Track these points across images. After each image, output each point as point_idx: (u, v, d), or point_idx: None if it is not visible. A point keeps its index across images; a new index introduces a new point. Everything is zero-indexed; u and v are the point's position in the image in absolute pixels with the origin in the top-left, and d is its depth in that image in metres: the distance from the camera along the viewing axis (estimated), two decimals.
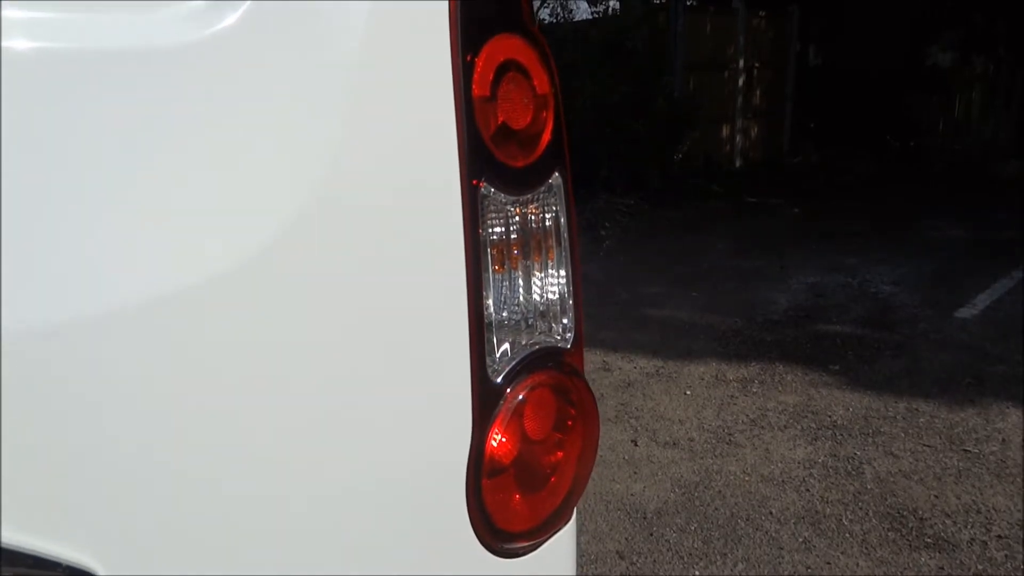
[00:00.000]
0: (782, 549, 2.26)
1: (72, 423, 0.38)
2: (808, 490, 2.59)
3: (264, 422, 0.46)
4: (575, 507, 0.72)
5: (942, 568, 2.16)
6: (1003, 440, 2.91)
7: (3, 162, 0.36)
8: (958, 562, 2.18)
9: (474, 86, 0.56)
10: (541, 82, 0.62)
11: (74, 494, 0.39)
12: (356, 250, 0.50)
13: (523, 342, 0.65)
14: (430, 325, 0.55)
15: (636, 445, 2.92)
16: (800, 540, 2.30)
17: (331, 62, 0.46)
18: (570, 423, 0.68)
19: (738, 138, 10.61)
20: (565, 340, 0.68)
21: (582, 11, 10.19)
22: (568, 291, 0.68)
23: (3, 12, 0.34)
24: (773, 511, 2.46)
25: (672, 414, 3.19)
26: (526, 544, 0.65)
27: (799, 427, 3.06)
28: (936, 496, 2.54)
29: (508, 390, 0.64)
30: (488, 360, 0.61)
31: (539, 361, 0.66)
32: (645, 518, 2.43)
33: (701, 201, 8.20)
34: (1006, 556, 2.21)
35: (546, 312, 0.67)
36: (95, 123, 0.38)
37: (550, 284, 0.67)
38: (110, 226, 0.38)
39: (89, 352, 0.37)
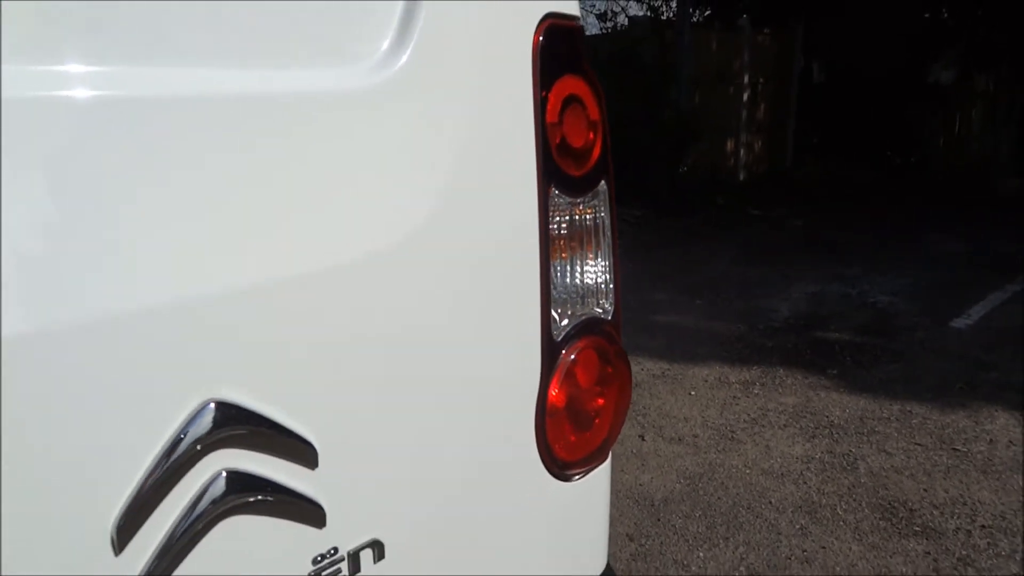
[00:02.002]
0: (780, 535, 2.43)
1: (287, 361, 0.55)
2: (805, 483, 2.75)
3: (405, 368, 0.63)
4: (611, 449, 0.90)
5: (928, 553, 2.33)
6: (991, 440, 3.08)
7: (248, 172, 0.53)
8: (944, 548, 2.35)
9: (547, 115, 0.74)
10: (593, 111, 0.81)
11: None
12: (463, 239, 0.67)
13: (575, 313, 0.83)
14: (513, 299, 0.73)
15: (643, 440, 3.09)
16: (797, 527, 2.47)
17: (454, 97, 0.64)
18: (609, 378, 0.86)
19: (742, 151, 10.80)
20: (607, 313, 0.86)
21: (592, 26, 10.43)
22: (609, 275, 0.86)
23: (258, 73, 0.52)
24: (772, 501, 2.63)
25: (677, 412, 3.37)
26: (578, 471, 0.83)
27: (798, 426, 3.23)
28: (926, 490, 2.70)
29: (564, 350, 0.81)
30: (552, 327, 0.79)
31: (587, 328, 0.83)
32: (653, 505, 2.61)
33: (706, 212, 8.38)
34: (988, 543, 2.37)
35: (593, 291, 0.85)
36: (311, 144, 0.56)
37: (596, 269, 0.85)
38: (317, 208, 0.56)
39: (306, 297, 0.55)
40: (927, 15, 13.49)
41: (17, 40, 0.42)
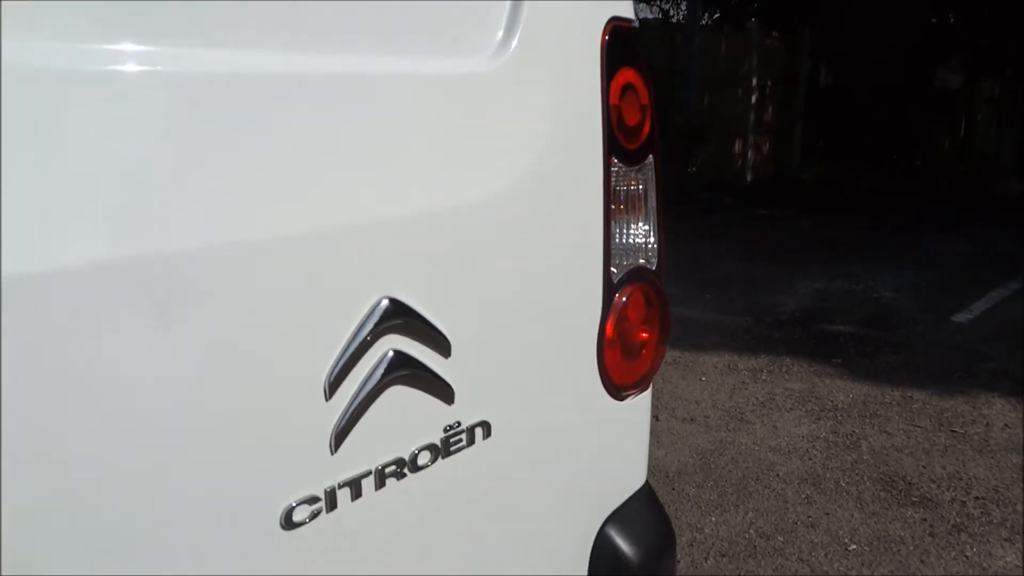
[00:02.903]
0: (787, 503, 2.60)
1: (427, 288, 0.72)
2: (811, 459, 2.93)
3: (507, 293, 0.81)
4: (652, 380, 1.08)
5: (925, 520, 2.50)
6: (987, 423, 3.25)
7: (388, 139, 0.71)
8: (940, 516, 2.53)
9: (611, 98, 0.92)
10: (644, 97, 0.99)
11: None
12: (549, 194, 0.85)
13: (627, 262, 1.01)
14: (583, 248, 0.91)
15: (658, 420, 3.27)
16: (803, 496, 2.64)
17: (546, 80, 0.82)
18: (652, 317, 1.04)
19: (750, 153, 10.98)
20: (651, 263, 1.04)
21: None
22: (653, 232, 1.04)
23: (410, 64, 0.70)
24: (780, 474, 2.80)
25: (689, 395, 3.54)
26: (630, 393, 1.01)
27: (804, 409, 3.41)
28: (924, 466, 2.88)
29: (617, 293, 0.99)
30: (611, 272, 0.97)
31: (636, 275, 1.01)
32: (668, 477, 2.78)
33: (714, 212, 8.55)
34: (982, 512, 2.55)
35: (641, 245, 1.03)
36: (439, 115, 0.73)
37: (644, 226, 1.03)
38: (453, 163, 0.74)
39: (446, 228, 0.72)
40: (934, 20, 13.64)
41: (212, 30, 0.59)
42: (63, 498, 0.51)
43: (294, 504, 0.63)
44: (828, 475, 2.80)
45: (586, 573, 1.01)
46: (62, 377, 0.50)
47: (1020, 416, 3.31)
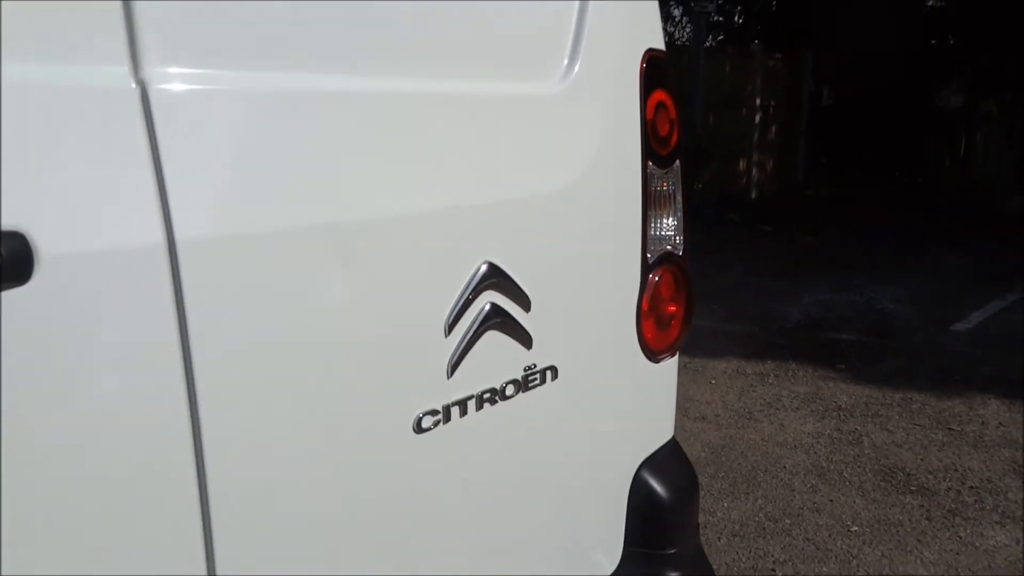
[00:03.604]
0: (793, 491, 2.79)
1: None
2: (816, 453, 3.12)
3: (568, 267, 1.02)
4: (679, 347, 1.28)
5: (922, 506, 2.68)
6: (983, 422, 3.43)
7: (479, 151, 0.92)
8: (936, 503, 2.71)
9: (647, 114, 1.14)
10: (672, 112, 1.20)
11: None
12: (601, 188, 1.06)
13: (659, 248, 1.22)
14: (626, 234, 1.12)
15: None
16: (808, 486, 2.83)
17: (599, 99, 1.04)
18: (679, 294, 1.25)
19: (754, 171, 11.21)
20: (677, 249, 1.25)
21: None
22: (679, 225, 1.26)
23: (489, 85, 0.92)
24: (787, 466, 2.99)
25: (700, 397, 3.74)
26: (662, 356, 1.21)
27: (809, 409, 3.60)
28: (922, 459, 3.06)
29: (651, 273, 1.20)
30: (647, 256, 1.18)
31: (665, 258, 1.22)
32: None
33: (719, 228, 8.77)
34: (975, 500, 2.73)
35: (671, 234, 1.24)
36: (523, 125, 0.95)
37: (671, 221, 1.24)
38: (528, 164, 0.95)
39: (526, 210, 0.94)
40: (934, 41, 13.92)
41: (363, 63, 0.80)
42: (277, 400, 0.72)
43: (422, 415, 0.84)
44: (832, 467, 2.99)
45: (625, 507, 1.21)
46: (269, 314, 0.71)
47: (1014, 415, 3.50)
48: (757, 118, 11.10)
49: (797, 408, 3.61)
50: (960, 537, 2.48)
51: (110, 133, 0.62)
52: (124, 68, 0.63)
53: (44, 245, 0.57)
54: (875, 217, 9.68)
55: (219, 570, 0.68)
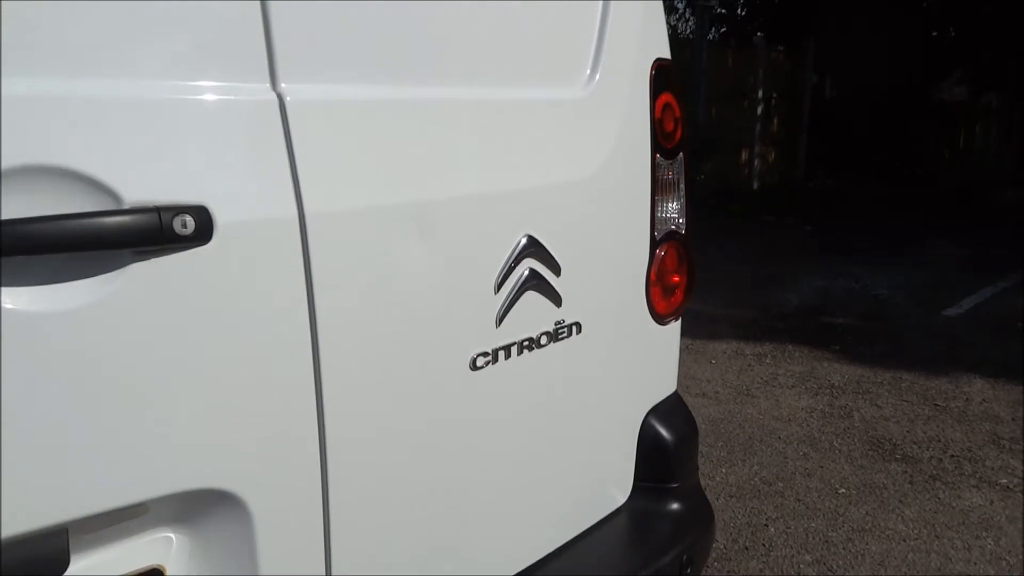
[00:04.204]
0: (787, 458, 3.01)
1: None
2: (808, 425, 3.34)
3: (594, 241, 1.23)
4: (682, 313, 1.50)
5: (906, 472, 2.90)
6: (967, 399, 3.65)
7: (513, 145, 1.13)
8: (919, 469, 2.93)
9: (655, 113, 1.35)
10: (676, 112, 1.41)
11: None
12: (618, 176, 1.27)
13: (664, 227, 1.43)
14: (636, 215, 1.33)
15: None
16: (801, 454, 3.05)
17: (616, 102, 1.25)
18: (681, 267, 1.46)
19: (756, 162, 11.40)
20: (680, 229, 1.46)
21: None
22: (682, 208, 1.47)
23: (530, 92, 1.13)
24: (781, 436, 3.21)
25: (700, 375, 3.95)
26: (668, 319, 1.43)
27: (803, 387, 3.81)
28: (908, 432, 3.28)
29: (658, 248, 1.42)
30: (655, 234, 1.39)
31: (669, 236, 1.43)
32: None
33: (721, 219, 8.97)
34: (955, 467, 2.95)
35: (673, 216, 1.45)
36: (555, 123, 1.16)
37: (674, 204, 1.45)
38: (559, 157, 1.17)
39: (558, 194, 1.15)
40: (935, 34, 14.05)
41: (420, 75, 1.01)
42: (372, 338, 0.94)
43: (476, 355, 1.05)
44: (823, 438, 3.21)
45: (635, 448, 1.43)
46: (368, 271, 0.93)
47: (997, 393, 3.71)
48: (759, 110, 11.28)
49: (792, 386, 3.83)
50: (939, 498, 2.70)
51: (258, 132, 0.83)
52: (266, 84, 0.84)
53: (219, 215, 0.78)
54: (874, 208, 9.87)
55: (329, 449, 0.90)
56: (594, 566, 1.30)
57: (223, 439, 0.83)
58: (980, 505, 2.65)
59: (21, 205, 0.68)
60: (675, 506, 1.46)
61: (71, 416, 0.72)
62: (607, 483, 1.40)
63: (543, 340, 1.16)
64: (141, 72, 0.76)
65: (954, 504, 2.66)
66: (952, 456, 3.04)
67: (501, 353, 1.09)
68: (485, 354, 1.07)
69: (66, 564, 0.75)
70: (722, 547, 2.39)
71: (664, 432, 1.45)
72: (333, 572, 0.93)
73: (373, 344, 0.94)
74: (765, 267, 6.58)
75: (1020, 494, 2.73)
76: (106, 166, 0.73)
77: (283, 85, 0.85)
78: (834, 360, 4.22)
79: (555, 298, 1.16)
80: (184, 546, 0.86)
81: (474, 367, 1.06)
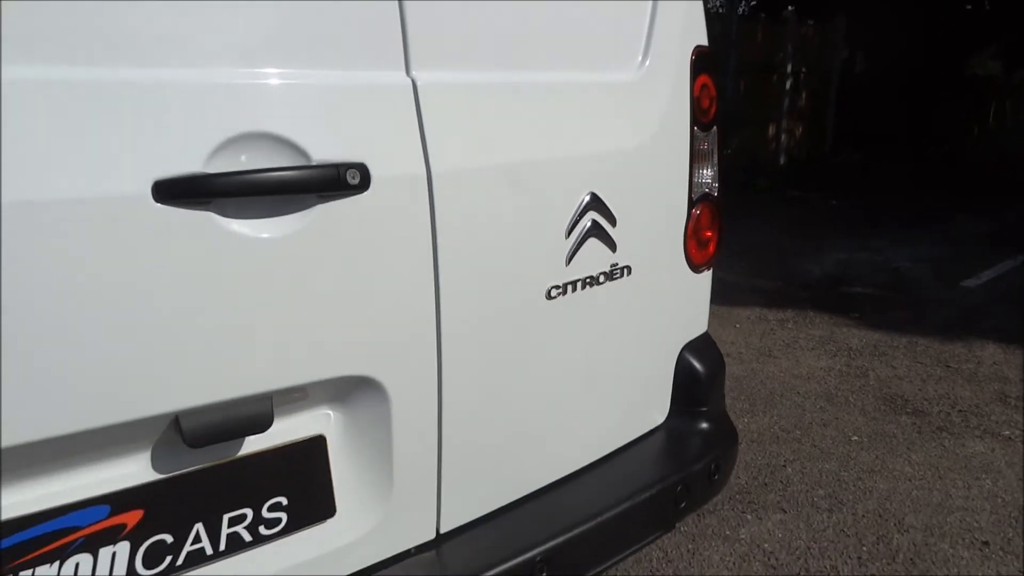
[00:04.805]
0: (804, 411, 3.27)
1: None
2: (826, 383, 3.58)
3: (643, 203, 1.49)
4: (714, 263, 1.75)
5: (915, 424, 3.15)
6: (978, 362, 3.87)
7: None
8: (927, 422, 3.17)
9: (695, 92, 1.60)
10: (711, 91, 1.66)
11: None
12: (663, 146, 1.52)
13: (700, 190, 1.68)
14: (677, 179, 1.59)
15: None
16: (818, 407, 3.31)
17: (662, 83, 1.50)
18: (714, 223, 1.71)
19: (783, 137, 11.47)
20: (713, 191, 1.71)
21: None
22: (714, 175, 1.72)
23: (578, 76, 1.38)
24: (800, 392, 3.46)
25: (725, 338, 4.20)
26: (702, 268, 1.69)
27: (823, 349, 4.05)
28: (919, 389, 3.51)
29: (693, 208, 1.67)
30: (691, 195, 1.65)
31: (703, 197, 1.69)
32: None
33: (748, 192, 9.12)
34: (962, 420, 3.19)
35: (709, 180, 1.70)
36: (614, 102, 1.41)
37: (709, 170, 1.70)
38: (617, 127, 1.42)
39: (614, 159, 1.40)
40: (968, 7, 13.89)
41: (525, 61, 1.27)
42: (476, 271, 1.21)
43: (550, 287, 1.32)
44: (840, 394, 3.45)
45: (672, 377, 1.70)
46: (476, 218, 1.20)
47: (1008, 357, 3.92)
48: (788, 85, 11.32)
49: (812, 348, 4.06)
50: (944, 446, 2.95)
51: (397, 108, 1.10)
52: (402, 72, 1.11)
53: (374, 171, 1.06)
54: (900, 184, 9.94)
55: (443, 348, 1.18)
56: (639, 467, 1.58)
57: (369, 337, 1.11)
58: (982, 452, 2.90)
59: (248, 159, 0.96)
60: (705, 425, 1.73)
61: (274, 311, 1.01)
62: (649, 405, 1.67)
63: (600, 279, 1.43)
64: (322, 64, 1.04)
65: (958, 451, 2.91)
66: (960, 411, 3.27)
67: (569, 287, 1.36)
68: (557, 287, 1.34)
69: (270, 422, 1.04)
70: (743, 483, 2.67)
71: (696, 364, 1.72)
72: (443, 436, 1.22)
73: (476, 270, 1.21)
74: (789, 240, 6.76)
75: (1020, 444, 2.97)
76: (301, 133, 1.00)
77: (415, 72, 1.12)
78: (853, 326, 4.45)
79: (611, 244, 1.43)
80: (339, 420, 1.15)
81: (548, 296, 1.33)
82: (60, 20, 0.85)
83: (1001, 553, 2.28)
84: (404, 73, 1.11)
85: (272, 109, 0.99)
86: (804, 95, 11.70)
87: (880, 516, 2.47)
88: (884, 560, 2.25)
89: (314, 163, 1.01)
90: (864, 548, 2.30)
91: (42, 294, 0.84)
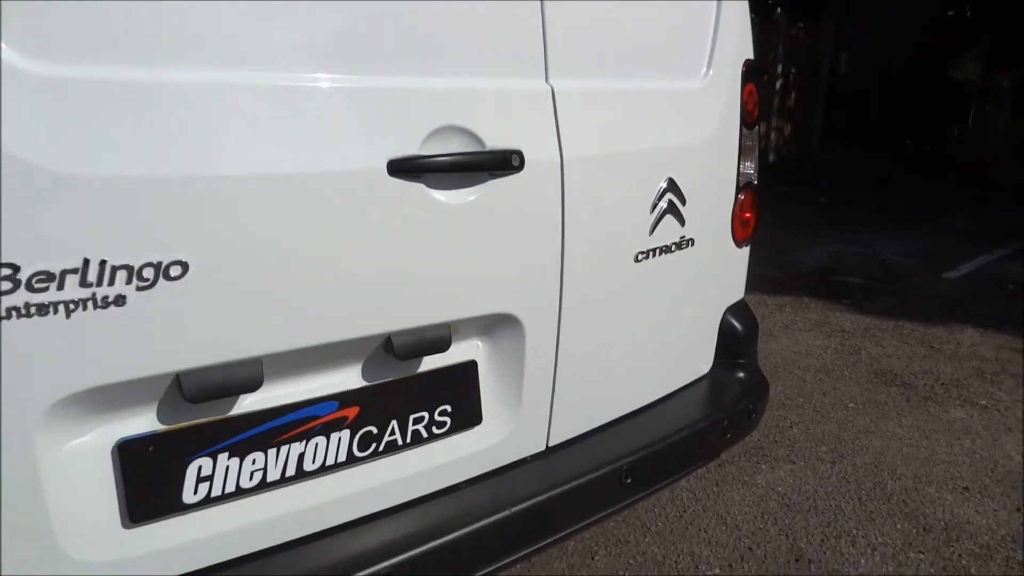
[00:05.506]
0: (805, 382, 3.64)
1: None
2: (823, 359, 3.97)
3: (701, 192, 1.83)
4: (751, 242, 2.10)
5: (903, 394, 3.54)
6: (958, 343, 4.27)
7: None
8: (914, 392, 3.56)
9: (743, 97, 1.94)
10: (755, 97, 2.01)
11: None
12: (719, 142, 1.86)
13: (744, 179, 2.03)
14: (728, 169, 1.93)
15: None
16: (817, 379, 3.69)
17: (721, 89, 1.83)
18: (754, 206, 2.06)
19: (773, 135, 11.90)
20: (754, 180, 2.06)
21: None
22: (755, 166, 2.07)
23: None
24: (800, 366, 3.84)
25: None
26: (743, 244, 2.03)
27: (819, 330, 4.44)
28: (907, 366, 3.91)
29: (738, 193, 2.02)
30: (737, 182, 1.99)
31: (747, 185, 2.03)
32: None
33: None
34: (944, 391, 3.58)
35: (751, 171, 2.05)
36: (683, 107, 1.75)
37: (751, 162, 2.05)
38: (683, 129, 1.75)
39: (679, 155, 1.75)
40: (951, 12, 14.40)
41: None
42: (585, 238, 1.54)
43: (637, 252, 1.66)
44: (835, 368, 3.84)
45: (716, 333, 2.05)
46: (591, 196, 1.53)
47: (984, 339, 4.33)
48: (778, 84, 11.74)
49: (809, 329, 4.45)
50: (930, 412, 3.34)
51: (539, 110, 1.44)
52: (542, 80, 1.44)
53: (528, 155, 1.39)
54: (885, 182, 10.40)
55: (564, 293, 1.52)
56: (694, 405, 1.93)
57: (516, 283, 1.45)
58: (962, 418, 3.29)
59: (445, 146, 1.29)
60: (742, 375, 2.09)
61: (456, 261, 1.34)
62: (698, 356, 2.02)
63: (672, 248, 1.77)
64: (491, 73, 1.36)
65: (941, 417, 3.30)
66: (942, 384, 3.67)
67: (651, 252, 1.71)
68: (643, 252, 1.68)
69: (448, 345, 1.37)
70: (756, 440, 3.03)
71: (736, 324, 2.08)
72: (558, 367, 1.56)
73: (589, 235, 1.55)
74: (782, 233, 7.15)
75: (995, 411, 3.36)
76: (478, 126, 1.33)
77: (552, 81, 1.45)
78: (845, 311, 4.84)
79: (681, 220, 1.77)
80: (486, 349, 1.49)
81: (636, 260, 1.67)
82: (357, 40, 1.18)
83: (979, 496, 2.66)
84: (544, 81, 1.44)
85: (461, 108, 1.32)
86: (794, 95, 12.13)
87: (876, 467, 2.85)
88: (880, 500, 2.62)
89: (488, 149, 1.34)
90: (863, 491, 2.68)
91: (309, 242, 1.17)
